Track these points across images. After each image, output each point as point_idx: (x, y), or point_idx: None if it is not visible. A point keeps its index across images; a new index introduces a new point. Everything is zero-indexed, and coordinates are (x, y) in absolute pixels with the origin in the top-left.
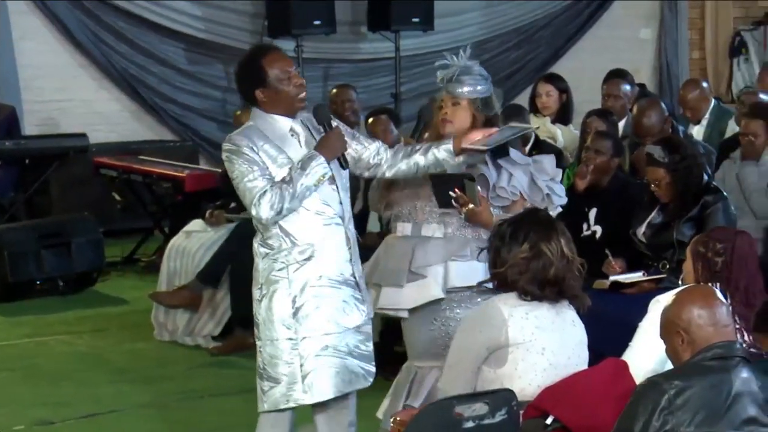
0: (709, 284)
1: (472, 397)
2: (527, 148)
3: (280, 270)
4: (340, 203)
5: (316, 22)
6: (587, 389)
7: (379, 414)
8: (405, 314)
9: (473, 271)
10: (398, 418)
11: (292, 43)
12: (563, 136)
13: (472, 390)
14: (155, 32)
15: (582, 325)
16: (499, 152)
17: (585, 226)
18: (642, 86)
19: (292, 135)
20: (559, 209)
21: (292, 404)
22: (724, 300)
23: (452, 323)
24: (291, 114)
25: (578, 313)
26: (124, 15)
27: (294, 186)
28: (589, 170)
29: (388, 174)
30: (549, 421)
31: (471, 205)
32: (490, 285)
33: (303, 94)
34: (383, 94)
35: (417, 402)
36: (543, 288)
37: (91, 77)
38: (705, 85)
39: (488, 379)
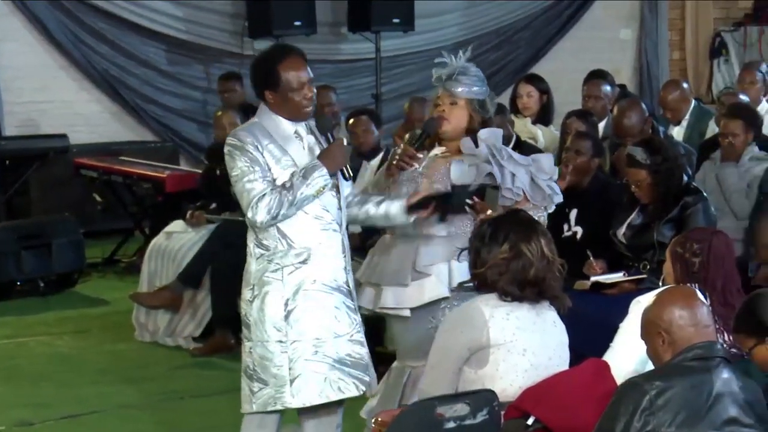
0: (688, 285)
1: (453, 397)
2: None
3: (274, 271)
4: (339, 209)
5: (297, 23)
6: (568, 390)
7: (363, 413)
8: (407, 313)
9: None
10: (380, 419)
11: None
12: (544, 136)
13: (453, 391)
14: (136, 33)
15: (563, 326)
16: (456, 207)
17: (566, 227)
18: (622, 87)
19: (297, 137)
20: (554, 207)
21: (279, 407)
22: (704, 301)
23: None
24: (295, 120)
25: (559, 313)
26: (104, 16)
27: (294, 193)
28: (569, 171)
29: None
30: (530, 421)
31: (489, 212)
32: (470, 285)
33: (309, 108)
34: (364, 95)
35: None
36: (523, 288)
37: (72, 78)
38: (685, 85)
39: (469, 379)
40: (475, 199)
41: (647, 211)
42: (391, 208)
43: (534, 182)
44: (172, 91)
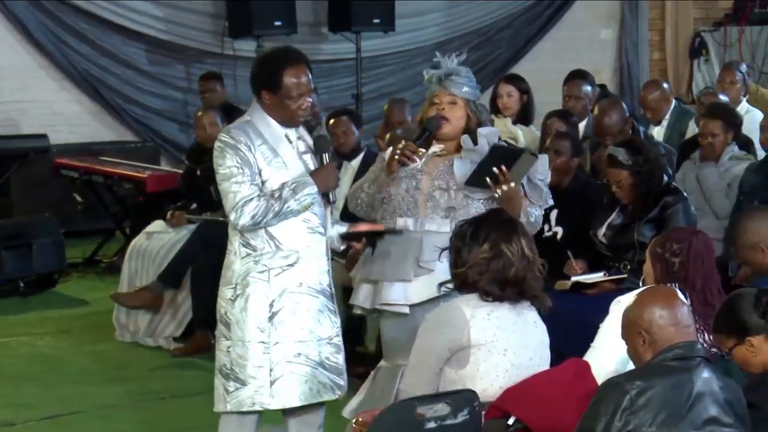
0: (668, 284)
1: (434, 397)
2: None
3: (260, 272)
4: (323, 211)
5: (277, 23)
6: (549, 390)
7: (345, 413)
8: (406, 310)
9: None
10: (360, 419)
11: (253, 44)
12: (524, 137)
13: (434, 391)
14: (116, 33)
15: (544, 326)
16: (479, 178)
17: (546, 227)
18: (603, 87)
19: (287, 140)
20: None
21: (257, 407)
22: (685, 300)
23: None
24: (285, 126)
25: (539, 313)
26: (84, 16)
27: (281, 205)
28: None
29: None
30: (511, 421)
31: (512, 184)
32: (451, 285)
33: (302, 118)
34: (344, 95)
35: None
36: (503, 288)
37: (52, 78)
38: (665, 86)
39: (450, 379)
40: (503, 168)
41: (627, 211)
42: (332, 231)
43: (531, 181)
44: (153, 91)
